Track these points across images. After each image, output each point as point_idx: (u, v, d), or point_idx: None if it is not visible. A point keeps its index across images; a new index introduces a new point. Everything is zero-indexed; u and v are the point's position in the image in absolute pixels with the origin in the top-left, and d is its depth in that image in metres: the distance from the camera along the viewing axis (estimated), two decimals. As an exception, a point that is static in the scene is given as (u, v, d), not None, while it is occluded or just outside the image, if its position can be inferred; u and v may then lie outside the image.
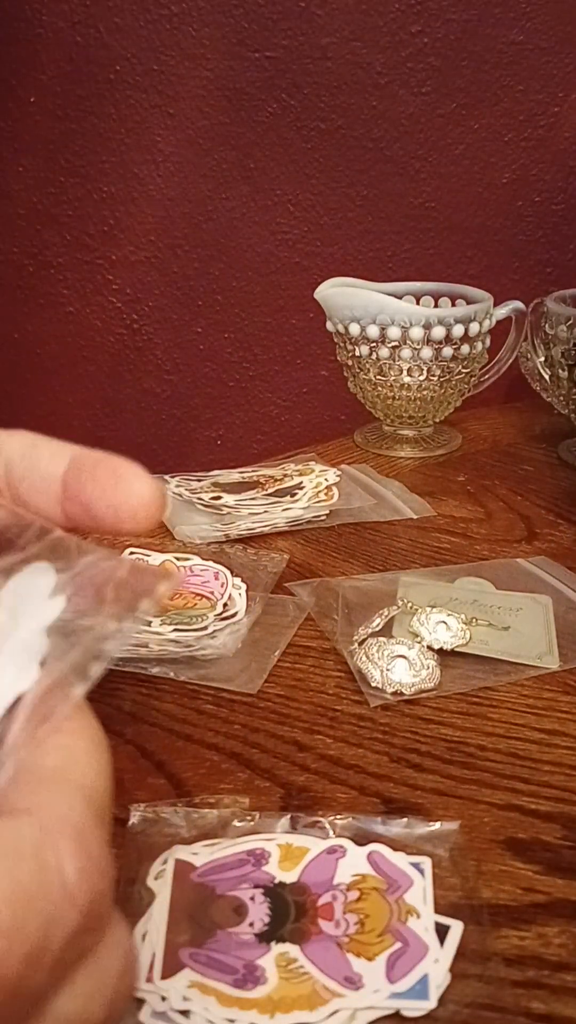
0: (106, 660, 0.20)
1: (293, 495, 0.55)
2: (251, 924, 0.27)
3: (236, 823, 0.32)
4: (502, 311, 0.66)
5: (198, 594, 0.45)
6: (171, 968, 0.26)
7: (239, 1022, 0.25)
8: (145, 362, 0.88)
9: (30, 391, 0.90)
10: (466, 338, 0.62)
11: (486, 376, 0.69)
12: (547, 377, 0.67)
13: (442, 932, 0.27)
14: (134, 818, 0.32)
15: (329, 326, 0.65)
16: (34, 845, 0.18)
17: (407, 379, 0.63)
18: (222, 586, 0.46)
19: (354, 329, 0.63)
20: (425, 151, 0.79)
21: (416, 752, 0.36)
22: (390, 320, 0.61)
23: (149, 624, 0.42)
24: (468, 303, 0.65)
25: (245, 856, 0.30)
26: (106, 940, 0.19)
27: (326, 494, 0.56)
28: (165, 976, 0.26)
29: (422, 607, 0.44)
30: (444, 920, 0.28)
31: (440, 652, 0.41)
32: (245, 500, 0.54)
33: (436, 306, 0.67)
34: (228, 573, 0.47)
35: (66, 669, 0.20)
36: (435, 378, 0.63)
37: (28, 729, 0.20)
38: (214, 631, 0.42)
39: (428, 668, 0.40)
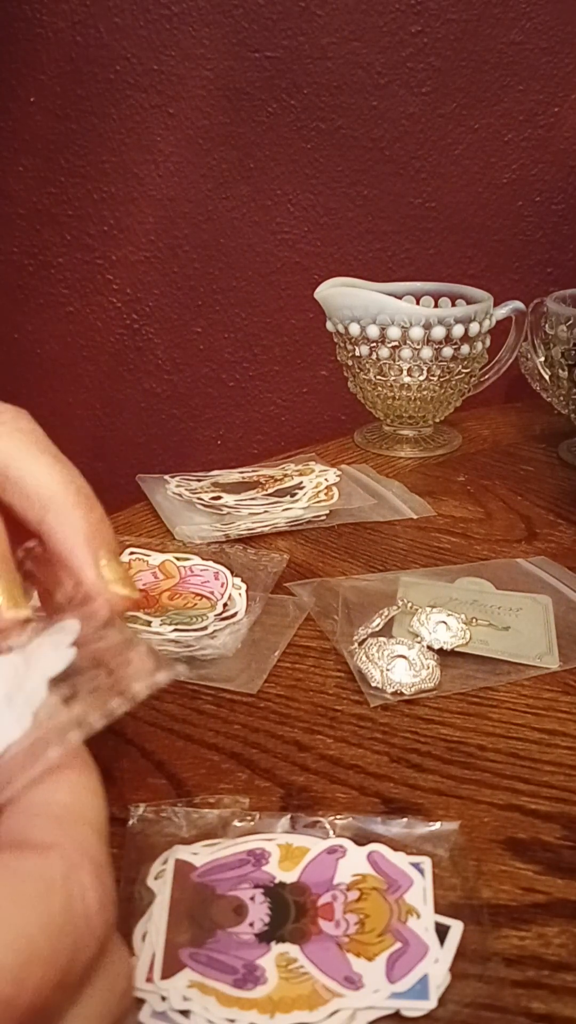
0: (87, 730, 0.21)
1: (293, 495, 0.55)
2: (251, 924, 0.27)
3: (236, 823, 0.32)
4: (502, 311, 0.66)
5: (198, 594, 0.45)
6: (171, 968, 0.26)
7: (239, 1022, 0.25)
8: (145, 362, 0.88)
9: (30, 391, 0.90)
10: (466, 338, 0.62)
11: (486, 376, 0.69)
12: (547, 377, 0.67)
13: (442, 932, 0.27)
14: (134, 818, 0.32)
15: (329, 326, 0.65)
16: (62, 878, 0.19)
17: (407, 379, 0.63)
18: (222, 586, 0.46)
19: (354, 329, 0.63)
20: (425, 151, 0.79)
21: (416, 752, 0.36)
22: (390, 320, 0.61)
23: (149, 624, 0.42)
24: (468, 303, 0.65)
25: (245, 856, 0.30)
26: (110, 962, 0.21)
27: (326, 494, 0.56)
28: (165, 976, 0.26)
29: (422, 607, 0.44)
30: (444, 920, 0.28)
31: (440, 652, 0.41)
32: (245, 500, 0.54)
33: (436, 306, 0.67)
34: (228, 573, 0.47)
35: (50, 729, 0.22)
36: (435, 378, 0.63)
37: (17, 773, 0.22)
38: (214, 631, 0.42)
39: (428, 668, 0.40)
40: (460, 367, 0.64)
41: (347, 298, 0.63)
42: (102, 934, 0.20)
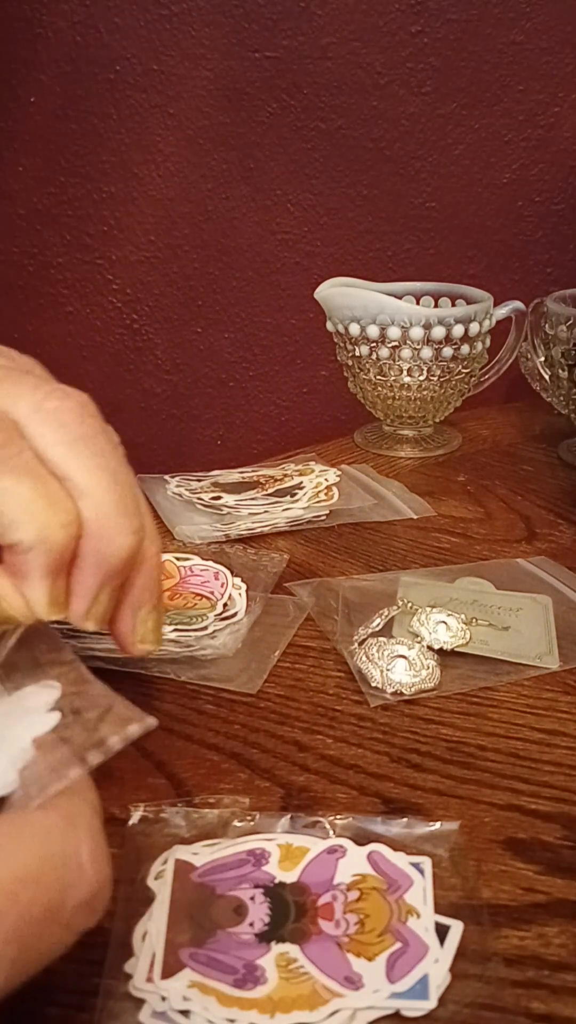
0: (68, 780, 0.24)
1: (293, 495, 0.55)
2: (251, 924, 0.27)
3: (236, 823, 0.32)
4: (502, 311, 0.66)
5: (198, 594, 0.45)
6: (171, 968, 0.26)
7: (239, 1022, 0.25)
8: (145, 362, 0.88)
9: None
10: (466, 338, 0.62)
11: (486, 376, 0.69)
12: (547, 377, 0.67)
13: (442, 932, 0.27)
14: (134, 818, 0.32)
15: (329, 326, 0.65)
16: (60, 830, 0.23)
17: (407, 379, 0.63)
18: (222, 586, 0.46)
19: (354, 329, 0.63)
20: (425, 151, 0.79)
21: (416, 752, 0.36)
22: (390, 320, 0.61)
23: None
24: (468, 303, 0.65)
25: (245, 856, 0.30)
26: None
27: (326, 494, 0.56)
28: (165, 976, 0.26)
29: (422, 607, 0.44)
30: (444, 920, 0.28)
31: (440, 652, 0.41)
32: (245, 500, 0.54)
33: (436, 306, 0.67)
34: (228, 573, 0.47)
35: (33, 784, 0.24)
36: (435, 378, 0.63)
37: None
38: (214, 631, 0.42)
39: (428, 668, 0.40)
40: (460, 367, 0.64)
41: (347, 298, 0.63)
42: (93, 883, 0.23)
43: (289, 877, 0.29)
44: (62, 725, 0.25)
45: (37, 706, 0.27)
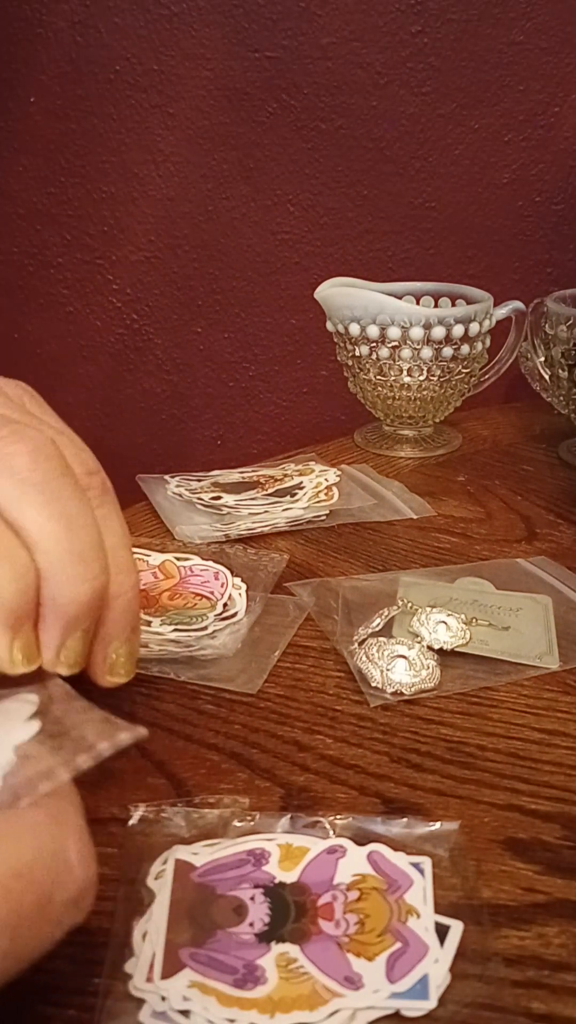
0: (56, 782, 0.24)
1: (293, 495, 0.55)
2: (251, 924, 0.27)
3: (236, 823, 0.32)
4: (502, 311, 0.66)
5: (198, 594, 0.45)
6: (171, 968, 0.26)
7: (239, 1022, 0.25)
8: (145, 362, 0.88)
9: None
10: (466, 338, 0.62)
11: (486, 376, 0.69)
12: (547, 377, 0.67)
13: (442, 932, 0.27)
14: (134, 818, 0.32)
15: (329, 326, 0.65)
16: (48, 828, 0.23)
17: (407, 379, 0.63)
18: (222, 586, 0.46)
19: (354, 329, 0.63)
20: (425, 151, 0.79)
21: (416, 752, 0.36)
22: (390, 320, 0.61)
23: (149, 624, 0.42)
24: (468, 303, 0.65)
25: (245, 856, 0.30)
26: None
27: (326, 494, 0.56)
28: (165, 976, 0.26)
29: (422, 607, 0.44)
30: (444, 920, 0.28)
31: (440, 652, 0.41)
32: (245, 500, 0.54)
33: (436, 306, 0.67)
34: (228, 573, 0.47)
35: (20, 788, 0.24)
36: (435, 378, 0.63)
37: None
38: (214, 631, 0.42)
39: (428, 668, 0.40)
40: (460, 367, 0.64)
41: (347, 298, 0.63)
42: (81, 880, 0.23)
43: (289, 877, 0.29)
44: (47, 734, 0.26)
45: (16, 716, 0.27)
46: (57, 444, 0.30)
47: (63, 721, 0.27)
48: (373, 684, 0.39)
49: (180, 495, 0.56)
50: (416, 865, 0.30)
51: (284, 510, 0.54)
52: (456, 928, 0.28)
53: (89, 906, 0.24)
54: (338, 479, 0.57)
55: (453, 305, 0.66)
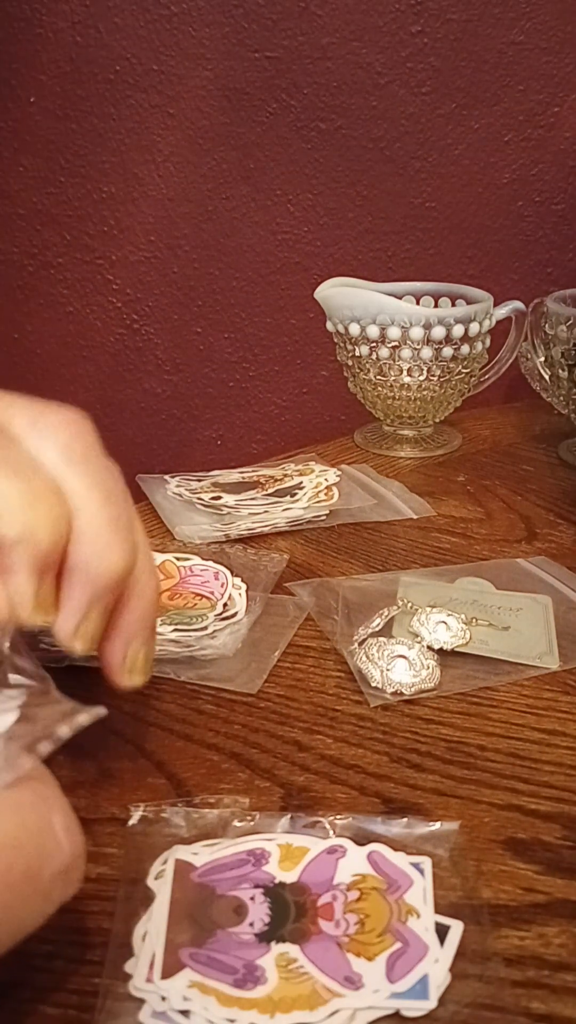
0: (22, 770, 0.24)
1: (293, 495, 0.55)
2: (251, 924, 0.27)
3: (236, 823, 0.32)
4: (502, 311, 0.66)
5: (198, 594, 0.45)
6: (171, 968, 0.26)
7: (239, 1022, 0.25)
8: (145, 362, 0.88)
9: (30, 391, 0.90)
10: (466, 338, 0.62)
11: (486, 376, 0.69)
12: (547, 377, 0.67)
13: (442, 932, 0.27)
14: (134, 818, 0.32)
15: (329, 326, 0.65)
16: (32, 804, 0.24)
17: (407, 379, 0.63)
18: (222, 586, 0.46)
19: (354, 329, 0.63)
20: (425, 151, 0.79)
21: (416, 752, 0.36)
22: (390, 320, 0.61)
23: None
24: (468, 303, 0.65)
25: (245, 856, 0.30)
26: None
27: (326, 494, 0.56)
28: (165, 976, 0.26)
29: (422, 607, 0.44)
30: (444, 920, 0.28)
31: (440, 652, 0.41)
32: (245, 500, 0.54)
33: (436, 306, 0.67)
34: (228, 573, 0.47)
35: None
36: (435, 378, 0.63)
37: None
38: (214, 631, 0.42)
39: (428, 668, 0.40)
40: (460, 367, 0.64)
41: (347, 298, 0.63)
42: (68, 854, 0.24)
43: (289, 877, 0.29)
44: (16, 725, 0.26)
45: (2, 706, 0.27)
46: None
47: (31, 715, 0.27)
48: (373, 684, 0.39)
49: (180, 495, 0.56)
50: (416, 865, 0.30)
51: (284, 510, 0.54)
52: (456, 928, 0.28)
53: (79, 879, 0.24)
54: (338, 479, 0.57)
55: (453, 305, 0.66)
